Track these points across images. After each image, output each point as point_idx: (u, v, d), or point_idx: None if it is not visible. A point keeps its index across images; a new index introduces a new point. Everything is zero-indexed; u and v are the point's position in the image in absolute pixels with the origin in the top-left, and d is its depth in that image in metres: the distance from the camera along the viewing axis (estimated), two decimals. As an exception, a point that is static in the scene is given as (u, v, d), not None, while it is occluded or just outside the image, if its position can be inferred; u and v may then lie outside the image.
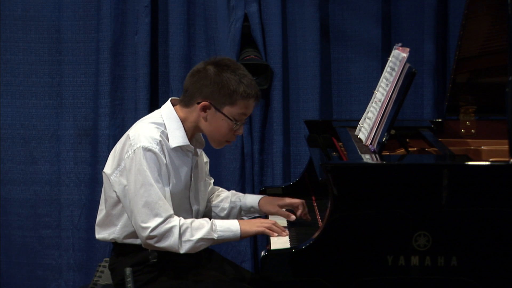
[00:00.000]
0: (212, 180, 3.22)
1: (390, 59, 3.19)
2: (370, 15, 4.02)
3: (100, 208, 3.00)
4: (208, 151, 4.06)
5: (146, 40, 4.00)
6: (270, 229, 2.87)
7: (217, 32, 4.00)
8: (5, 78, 4.10)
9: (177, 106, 2.95)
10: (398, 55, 3.09)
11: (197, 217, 3.00)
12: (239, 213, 3.16)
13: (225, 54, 3.94)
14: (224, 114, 2.87)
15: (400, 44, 3.21)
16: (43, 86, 4.11)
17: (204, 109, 2.88)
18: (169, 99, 2.98)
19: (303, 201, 3.08)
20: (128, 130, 2.94)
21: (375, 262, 2.66)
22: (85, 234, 4.11)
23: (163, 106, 2.97)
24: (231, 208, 3.16)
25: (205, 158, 3.13)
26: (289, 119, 4.07)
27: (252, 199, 3.15)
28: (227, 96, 2.85)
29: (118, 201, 2.91)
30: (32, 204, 4.16)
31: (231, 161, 4.04)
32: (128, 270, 2.81)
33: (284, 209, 3.07)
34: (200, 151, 3.01)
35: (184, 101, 2.92)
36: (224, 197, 3.19)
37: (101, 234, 2.98)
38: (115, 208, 2.93)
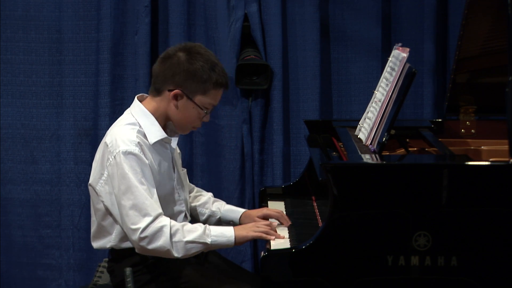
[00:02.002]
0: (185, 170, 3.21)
1: (390, 59, 3.19)
2: (370, 15, 4.02)
3: (92, 219, 2.99)
4: (209, 151, 4.07)
5: (146, 40, 4.00)
6: (266, 233, 2.86)
7: (217, 32, 4.01)
8: (6, 78, 4.10)
9: (147, 99, 2.93)
10: (398, 55, 3.09)
11: (186, 207, 3.00)
12: (217, 222, 3.12)
13: (225, 54, 3.95)
14: (195, 103, 2.86)
15: (400, 44, 3.21)
16: (44, 86, 4.11)
17: (176, 97, 2.86)
18: (135, 96, 2.97)
19: (280, 212, 3.06)
20: (104, 138, 2.91)
21: (375, 262, 2.66)
22: (85, 234, 4.11)
23: (132, 105, 2.95)
24: (209, 216, 3.13)
25: (178, 150, 3.11)
26: (289, 119, 4.06)
27: (233, 214, 3.11)
28: (200, 85, 2.84)
29: (107, 211, 2.90)
30: (33, 204, 4.16)
31: (231, 161, 4.04)
32: (128, 270, 2.80)
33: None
34: (175, 142, 2.99)
35: (155, 89, 2.89)
36: (203, 201, 3.16)
37: (97, 243, 2.98)
38: (106, 220, 2.92)
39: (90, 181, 2.93)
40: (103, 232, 2.94)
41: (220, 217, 3.12)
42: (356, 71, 4.07)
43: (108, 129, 3.97)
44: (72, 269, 4.16)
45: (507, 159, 2.69)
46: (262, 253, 2.70)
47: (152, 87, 2.91)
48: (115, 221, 2.88)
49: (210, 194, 3.21)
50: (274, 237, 2.85)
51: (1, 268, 4.18)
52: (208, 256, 3.10)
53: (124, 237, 2.89)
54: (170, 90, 2.85)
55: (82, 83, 4.09)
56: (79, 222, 4.13)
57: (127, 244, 2.90)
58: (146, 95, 2.97)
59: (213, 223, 3.11)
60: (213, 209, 3.14)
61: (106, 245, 2.94)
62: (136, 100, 2.94)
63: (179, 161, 3.06)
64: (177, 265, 2.91)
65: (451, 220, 2.65)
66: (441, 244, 2.65)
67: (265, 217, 3.06)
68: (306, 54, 4.02)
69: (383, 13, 4.02)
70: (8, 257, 4.18)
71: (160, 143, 2.90)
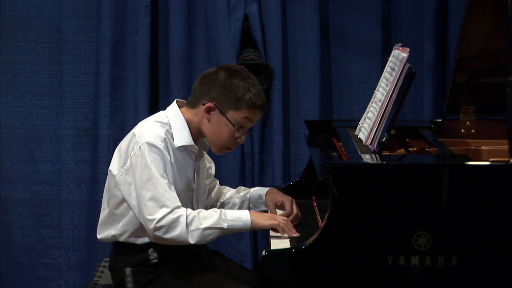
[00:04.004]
0: (217, 181, 3.22)
1: (390, 59, 3.20)
2: (370, 15, 4.02)
3: (102, 206, 2.99)
4: (209, 151, 4.07)
5: (146, 40, 4.00)
6: (281, 228, 2.86)
7: (217, 32, 4.01)
8: (6, 78, 4.10)
9: (183, 108, 2.96)
10: (398, 55, 3.09)
11: None
12: (248, 205, 3.16)
13: (225, 54, 3.95)
14: (227, 118, 2.87)
15: (400, 44, 3.21)
16: (44, 86, 4.11)
17: (208, 110, 2.88)
18: (175, 100, 2.98)
19: (290, 210, 3.06)
20: (134, 129, 2.94)
21: (375, 262, 2.66)
22: (85, 234, 4.11)
23: (169, 107, 2.97)
24: (242, 202, 3.17)
25: (209, 163, 3.13)
26: (289, 119, 4.07)
27: (260, 191, 3.15)
28: (233, 101, 2.86)
29: (123, 200, 2.91)
30: (33, 203, 4.16)
31: (231, 161, 4.04)
32: (128, 270, 2.81)
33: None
34: (203, 155, 3.02)
35: (191, 102, 2.93)
36: (233, 193, 3.20)
37: (102, 233, 2.98)
38: (119, 208, 2.92)
39: (110, 167, 2.94)
40: (112, 220, 2.94)
41: (249, 198, 3.15)
42: (356, 71, 4.07)
43: (108, 129, 4.02)
44: (72, 269, 4.16)
45: (507, 159, 2.69)
46: (262, 253, 2.70)
47: (189, 100, 2.95)
48: (131, 209, 2.88)
49: (239, 188, 3.24)
50: (286, 234, 2.85)
51: (1, 268, 4.18)
52: (209, 256, 3.10)
53: (130, 232, 2.91)
54: (204, 104, 2.88)
55: (82, 83, 4.09)
56: (79, 222, 4.13)
57: (131, 240, 2.92)
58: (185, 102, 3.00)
59: (246, 207, 3.15)
60: (242, 194, 3.17)
61: (110, 234, 2.95)
62: (174, 104, 2.96)
63: (203, 174, 3.07)
64: (178, 265, 2.91)
65: (451, 220, 2.65)
66: (441, 244, 2.65)
67: (280, 206, 3.08)
68: (306, 54, 4.02)
69: (383, 13, 4.02)
70: (8, 257, 4.18)
71: (186, 150, 2.92)
